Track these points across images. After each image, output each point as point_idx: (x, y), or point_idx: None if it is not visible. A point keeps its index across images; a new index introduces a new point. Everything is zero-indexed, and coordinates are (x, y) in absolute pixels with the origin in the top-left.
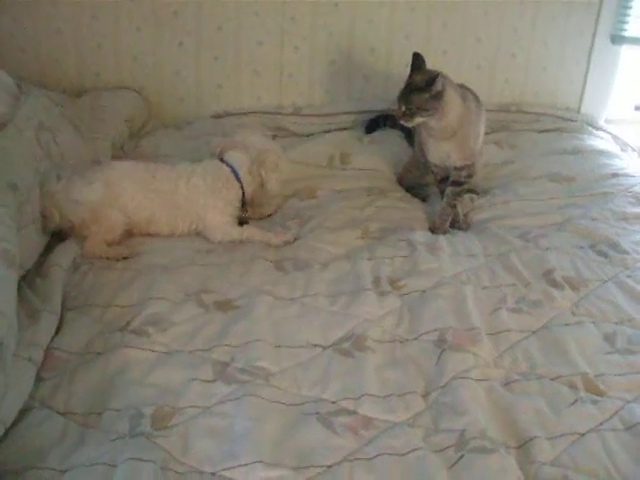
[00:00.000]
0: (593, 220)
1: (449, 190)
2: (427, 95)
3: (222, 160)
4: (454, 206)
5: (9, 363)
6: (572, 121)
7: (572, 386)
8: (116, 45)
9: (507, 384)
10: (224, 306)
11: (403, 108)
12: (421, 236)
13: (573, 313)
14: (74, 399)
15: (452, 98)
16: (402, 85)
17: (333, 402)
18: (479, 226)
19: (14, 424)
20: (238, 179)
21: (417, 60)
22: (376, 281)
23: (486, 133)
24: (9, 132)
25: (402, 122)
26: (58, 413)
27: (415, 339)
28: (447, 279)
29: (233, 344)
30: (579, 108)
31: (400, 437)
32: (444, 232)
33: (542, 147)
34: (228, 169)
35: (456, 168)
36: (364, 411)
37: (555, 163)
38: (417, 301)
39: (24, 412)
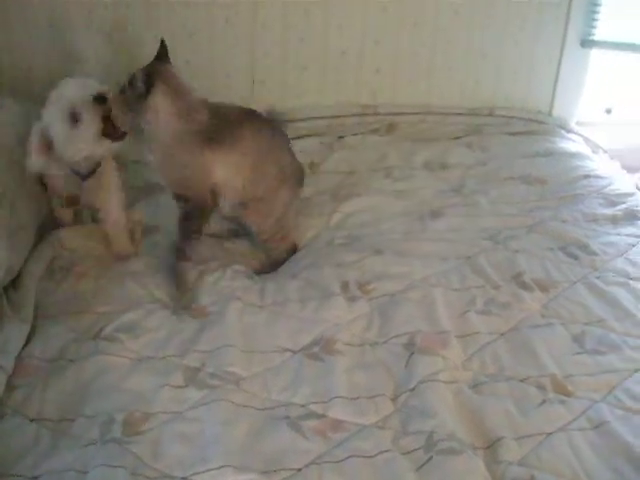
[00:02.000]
0: (563, 222)
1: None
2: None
3: None
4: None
5: None
6: (543, 124)
7: (540, 387)
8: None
9: (475, 386)
10: (195, 310)
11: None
12: (390, 241)
13: (542, 315)
14: (47, 406)
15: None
16: None
17: (302, 406)
18: (451, 227)
19: None
20: None
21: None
22: (345, 285)
23: (458, 137)
24: None
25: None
26: (30, 420)
27: (385, 342)
28: (417, 282)
29: (204, 350)
30: (550, 111)
31: (369, 439)
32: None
33: (513, 149)
34: None
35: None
36: (334, 414)
37: (527, 165)
38: (386, 305)
39: None
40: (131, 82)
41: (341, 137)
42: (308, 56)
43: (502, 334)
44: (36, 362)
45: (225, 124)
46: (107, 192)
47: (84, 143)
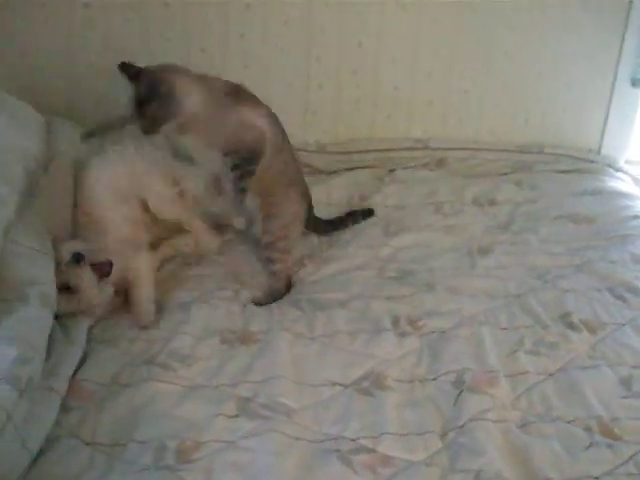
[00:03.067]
0: (612, 263)
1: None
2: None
3: None
4: (242, 189)
5: (33, 395)
6: (592, 162)
7: (587, 429)
8: None
9: (523, 426)
10: (246, 340)
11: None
12: (440, 277)
13: (590, 356)
14: (100, 429)
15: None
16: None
17: (353, 440)
18: (500, 265)
19: (42, 453)
20: None
21: (128, 70)
22: (395, 321)
23: (507, 173)
24: (52, 176)
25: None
26: (85, 443)
27: (434, 379)
28: (466, 319)
29: (256, 380)
30: (599, 149)
31: (417, 476)
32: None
33: (562, 188)
34: None
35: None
36: (383, 449)
37: (575, 204)
38: (436, 341)
39: (52, 441)
40: (147, 88)
41: (392, 170)
42: (361, 89)
43: (550, 374)
44: (90, 385)
45: (240, 89)
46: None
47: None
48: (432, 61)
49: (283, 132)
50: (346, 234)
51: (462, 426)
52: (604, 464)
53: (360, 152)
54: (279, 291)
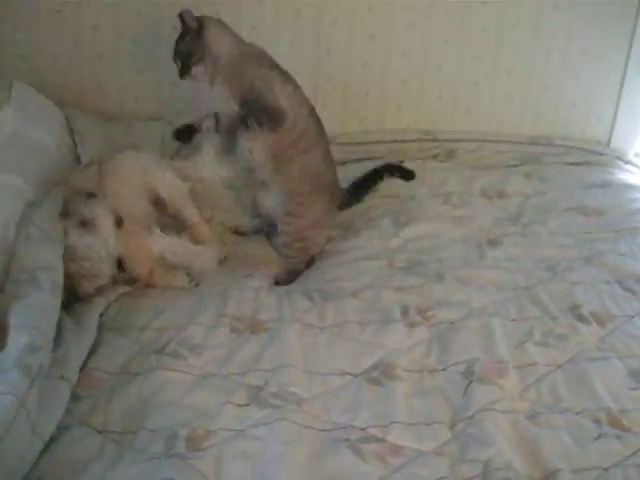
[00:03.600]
0: (621, 255)
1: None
2: (188, 38)
3: None
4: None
5: (44, 384)
6: (602, 155)
7: (596, 421)
8: (155, 72)
9: (532, 417)
10: (256, 328)
11: (179, 64)
12: (449, 268)
13: (599, 348)
14: (111, 418)
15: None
16: None
17: (362, 429)
18: (509, 256)
19: (53, 440)
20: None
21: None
22: (405, 311)
23: (516, 165)
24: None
25: (186, 79)
26: (96, 431)
27: (443, 370)
28: (475, 311)
29: (266, 368)
30: (609, 142)
31: (427, 465)
32: None
33: (572, 180)
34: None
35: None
36: (392, 439)
37: (584, 196)
38: (446, 332)
39: (63, 429)
40: (184, 24)
41: (401, 162)
42: (370, 81)
43: (559, 366)
44: (101, 374)
45: (276, 64)
46: None
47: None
48: (442, 54)
49: (318, 130)
50: (356, 223)
51: (471, 416)
52: (613, 455)
53: (369, 143)
54: (298, 271)
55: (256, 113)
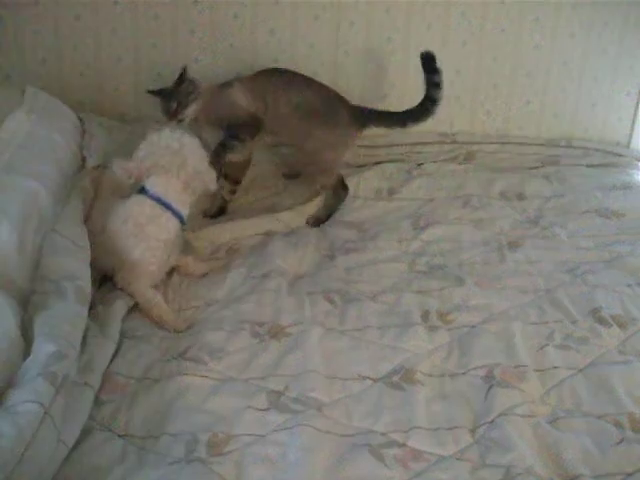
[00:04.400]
0: None
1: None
2: (183, 86)
3: (144, 190)
4: (224, 147)
5: (70, 390)
6: (621, 156)
7: (618, 425)
8: (174, 74)
9: (553, 421)
10: (277, 334)
11: (174, 106)
12: (470, 271)
13: (620, 351)
14: (133, 422)
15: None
16: None
17: (383, 434)
18: (529, 259)
19: (76, 445)
20: (167, 206)
21: (183, 74)
22: (425, 314)
23: (535, 167)
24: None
25: (178, 119)
26: (118, 435)
27: (464, 374)
28: (496, 314)
29: (286, 373)
30: (629, 143)
31: (448, 470)
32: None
33: (591, 182)
34: (149, 200)
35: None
36: (413, 444)
37: (604, 198)
38: (466, 336)
39: (85, 433)
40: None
41: (420, 164)
42: (388, 84)
43: (580, 370)
44: (123, 379)
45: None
46: None
47: None
48: (460, 56)
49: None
50: (375, 226)
51: (492, 421)
52: (636, 460)
53: (388, 146)
54: (333, 204)
55: (233, 133)
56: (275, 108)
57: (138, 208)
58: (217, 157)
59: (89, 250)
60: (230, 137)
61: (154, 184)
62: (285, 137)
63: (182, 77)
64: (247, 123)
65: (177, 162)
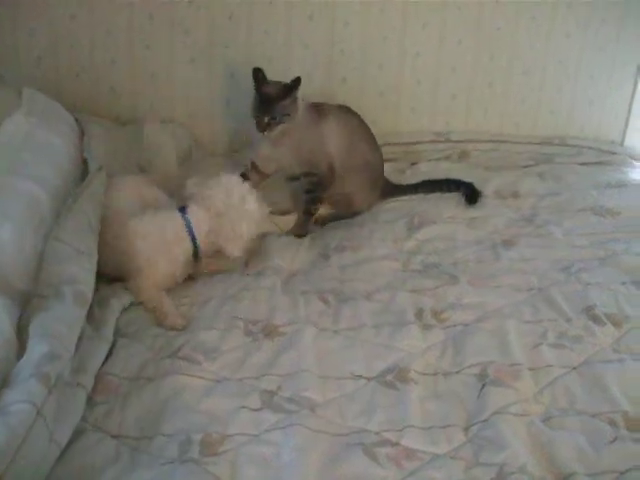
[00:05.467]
0: (636, 255)
1: (303, 197)
2: (288, 101)
3: (183, 211)
4: (309, 213)
5: (63, 391)
6: (615, 154)
7: (612, 423)
8: (169, 75)
9: (547, 419)
10: (271, 333)
11: (267, 119)
12: (464, 270)
13: (614, 350)
14: (126, 423)
15: (299, 103)
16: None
17: (376, 433)
18: (524, 258)
19: (68, 446)
20: (192, 235)
21: (259, 74)
22: (419, 313)
23: (530, 166)
24: (98, 175)
25: (264, 133)
26: (111, 436)
27: (457, 372)
28: (490, 313)
29: (280, 373)
30: (622, 141)
31: (441, 469)
32: (305, 234)
33: (585, 180)
34: (182, 222)
35: (302, 175)
36: (407, 442)
37: (599, 196)
38: (460, 334)
39: (78, 434)
40: (290, 90)
41: (414, 163)
42: (385, 83)
43: (574, 368)
44: (116, 380)
45: (323, 106)
46: None
47: None
48: (456, 54)
49: (360, 126)
50: (370, 225)
51: (486, 420)
52: (630, 459)
53: (384, 145)
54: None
55: (311, 190)
56: (350, 157)
57: (170, 223)
58: (307, 213)
59: (94, 256)
60: (309, 193)
61: (195, 212)
62: (338, 187)
63: (292, 91)
64: (324, 180)
65: (226, 210)
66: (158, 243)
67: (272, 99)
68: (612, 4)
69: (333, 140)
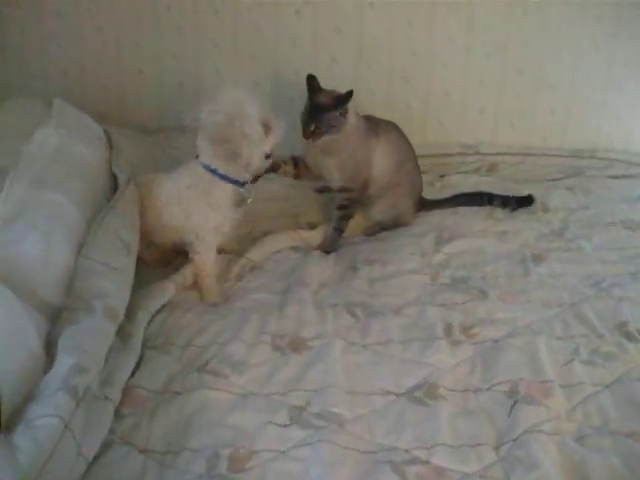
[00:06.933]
0: None
1: (334, 213)
2: (337, 113)
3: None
4: (340, 230)
5: (90, 404)
6: None
7: None
8: (197, 85)
9: (579, 439)
10: (298, 347)
11: (312, 127)
12: (493, 285)
13: None
14: (153, 437)
15: (351, 116)
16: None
17: (406, 451)
18: (554, 273)
19: (96, 459)
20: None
21: (313, 82)
22: (448, 328)
23: (559, 179)
24: (128, 190)
25: (309, 141)
26: (138, 450)
27: (488, 389)
28: (520, 328)
29: (308, 388)
30: None
31: None
32: (333, 250)
33: (616, 193)
34: (204, 171)
35: (338, 190)
36: (437, 461)
37: (629, 210)
38: (490, 350)
39: (105, 447)
40: (341, 102)
41: (442, 176)
42: (412, 95)
43: (607, 386)
44: (143, 393)
45: (374, 121)
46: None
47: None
48: (483, 67)
49: (406, 146)
50: (398, 239)
51: (516, 438)
52: None
53: None
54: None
55: (342, 204)
56: (396, 176)
57: (193, 174)
58: (338, 229)
59: (128, 272)
60: (342, 209)
61: (203, 148)
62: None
63: (342, 103)
64: (358, 197)
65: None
66: (194, 197)
67: (321, 108)
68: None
69: (382, 159)
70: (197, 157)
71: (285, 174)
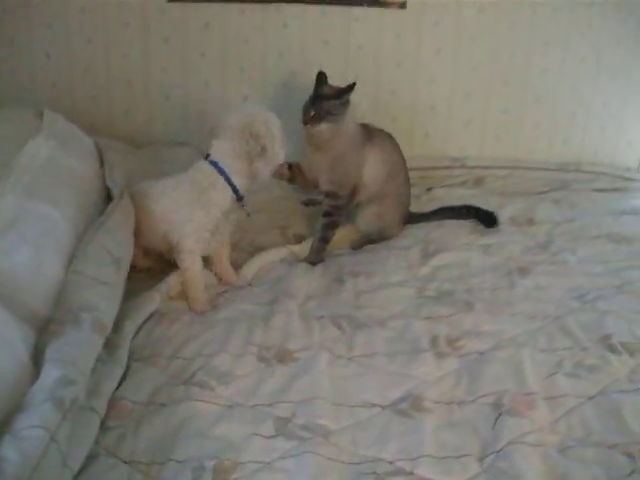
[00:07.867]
0: None
1: (320, 221)
2: (338, 102)
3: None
4: (325, 239)
5: (77, 416)
6: (631, 180)
7: (629, 455)
8: (185, 96)
9: (563, 450)
10: (284, 358)
11: (312, 112)
12: (479, 297)
13: (630, 380)
14: (139, 448)
15: (348, 122)
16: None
17: (390, 462)
18: (539, 285)
19: (82, 470)
20: (225, 175)
21: (322, 77)
22: (434, 340)
23: (545, 192)
24: (121, 204)
25: (308, 126)
26: (123, 462)
27: (472, 401)
28: (505, 341)
29: (294, 400)
30: (638, 167)
31: None
32: (319, 261)
33: (601, 207)
34: (211, 168)
35: (325, 194)
36: (421, 472)
37: (614, 223)
38: (475, 363)
39: (91, 459)
40: (344, 92)
41: (429, 189)
42: (399, 108)
43: (590, 398)
44: (129, 404)
45: (370, 129)
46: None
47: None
48: (470, 80)
49: (399, 157)
50: (384, 252)
51: (500, 450)
52: None
53: None
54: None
55: (328, 210)
56: (386, 186)
57: (199, 172)
58: (323, 240)
59: (117, 287)
60: (327, 216)
61: (217, 148)
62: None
63: (344, 94)
64: (344, 204)
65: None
66: (189, 190)
67: (324, 97)
68: (627, 29)
69: (374, 166)
70: (207, 157)
71: (281, 176)
